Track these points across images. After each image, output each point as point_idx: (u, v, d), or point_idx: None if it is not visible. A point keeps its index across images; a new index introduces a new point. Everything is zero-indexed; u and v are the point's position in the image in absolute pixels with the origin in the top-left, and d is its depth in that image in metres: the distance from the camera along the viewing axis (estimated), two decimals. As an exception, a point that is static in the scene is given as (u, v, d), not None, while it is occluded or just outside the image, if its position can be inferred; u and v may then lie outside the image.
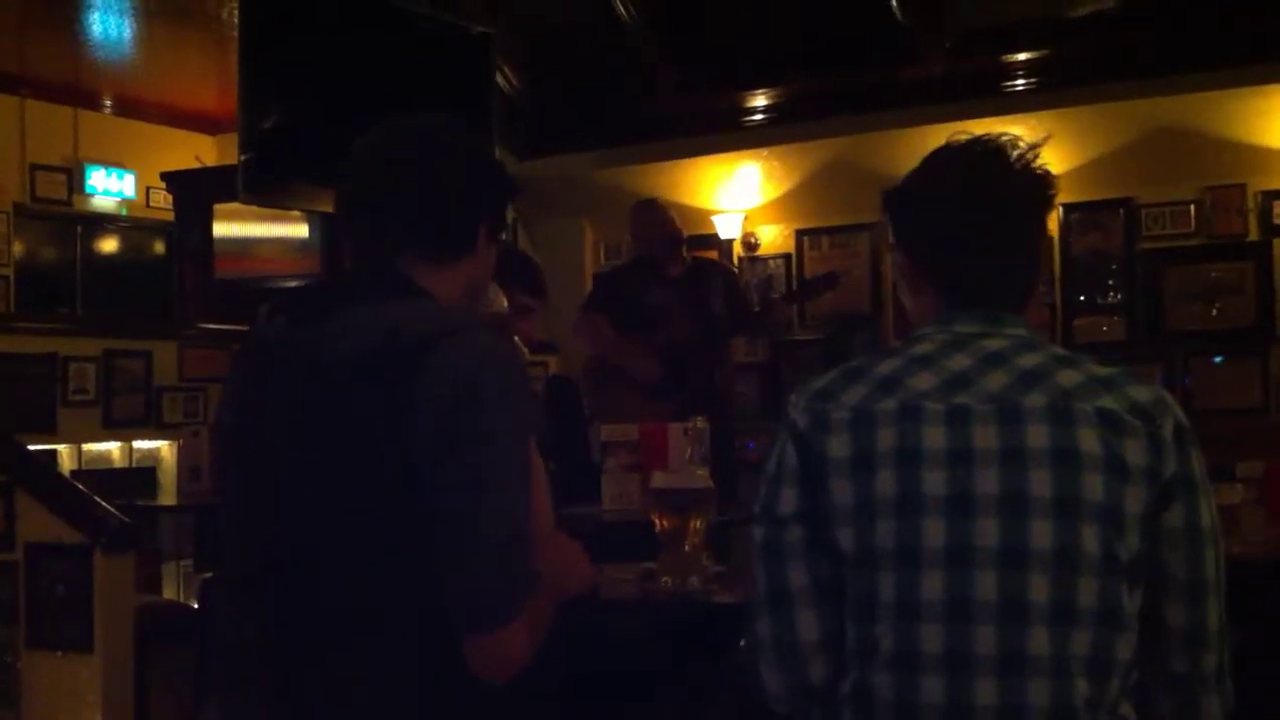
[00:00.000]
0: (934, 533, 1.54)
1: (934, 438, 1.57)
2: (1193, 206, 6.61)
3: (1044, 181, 1.73)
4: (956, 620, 1.52)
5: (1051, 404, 1.57)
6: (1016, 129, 1.78)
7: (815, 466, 1.62)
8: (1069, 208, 6.74)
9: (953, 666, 1.51)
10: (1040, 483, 1.53)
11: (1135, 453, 1.54)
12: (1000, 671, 1.50)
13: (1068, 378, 1.59)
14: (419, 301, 1.71)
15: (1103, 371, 1.62)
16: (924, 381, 1.61)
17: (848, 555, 1.59)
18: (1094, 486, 1.52)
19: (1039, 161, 1.72)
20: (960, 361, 1.63)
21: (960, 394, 1.59)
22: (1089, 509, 1.52)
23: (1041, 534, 1.52)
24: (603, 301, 5.50)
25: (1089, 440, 1.54)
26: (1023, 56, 6.57)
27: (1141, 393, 1.59)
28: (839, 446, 1.61)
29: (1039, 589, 1.50)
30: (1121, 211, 6.75)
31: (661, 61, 7.23)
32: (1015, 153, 1.71)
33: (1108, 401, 1.57)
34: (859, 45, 6.69)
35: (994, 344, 1.65)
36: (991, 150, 1.72)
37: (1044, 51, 6.53)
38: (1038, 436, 1.55)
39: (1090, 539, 1.51)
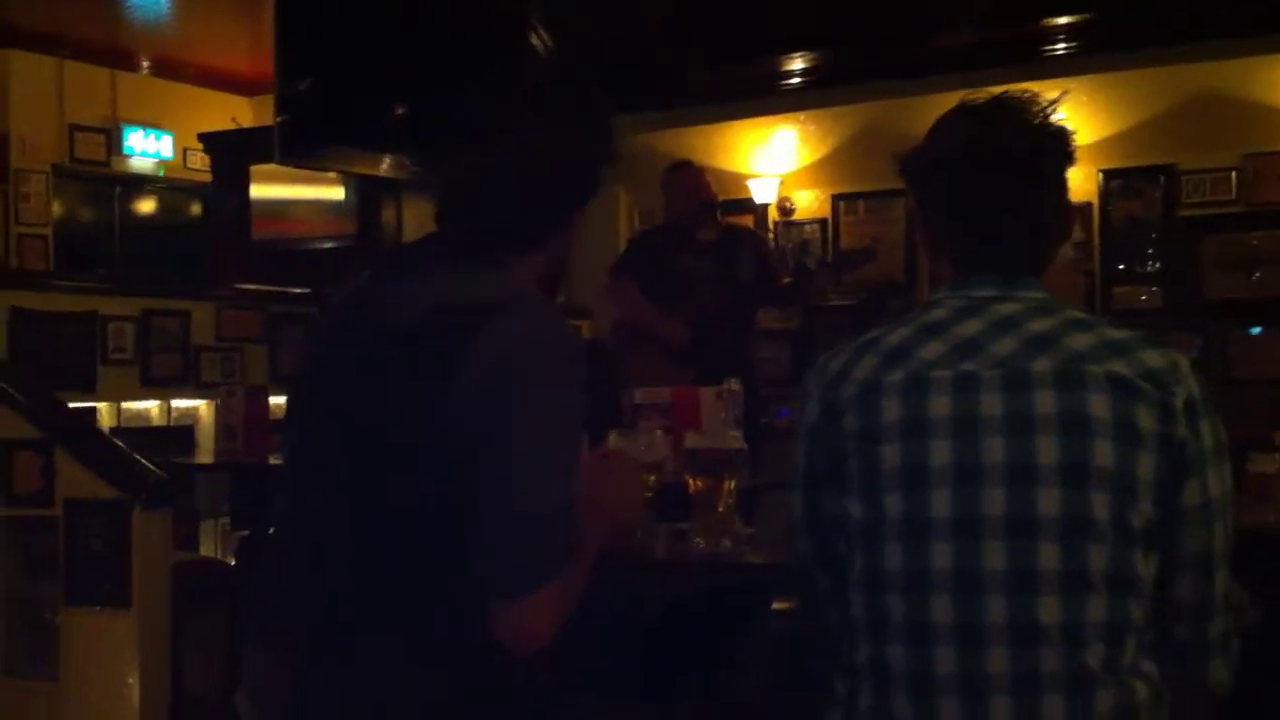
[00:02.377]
0: (941, 503, 1.53)
1: (939, 406, 1.56)
2: (1233, 173, 6.54)
3: (1059, 137, 1.68)
4: (966, 590, 1.51)
5: (1060, 368, 1.54)
6: (1054, 94, 1.73)
7: (829, 458, 1.63)
8: (1109, 174, 6.68)
9: (964, 636, 1.51)
10: (1047, 449, 1.51)
11: (1146, 418, 1.52)
12: (1012, 640, 1.49)
13: (1079, 341, 1.57)
14: (488, 273, 1.69)
15: (1117, 335, 1.59)
16: (933, 350, 1.60)
17: (857, 526, 1.59)
18: (1104, 452, 1.51)
19: (1055, 117, 1.68)
20: (971, 327, 1.61)
21: (967, 360, 1.58)
22: (1099, 475, 1.50)
23: (1049, 502, 1.50)
24: (633, 265, 5.48)
25: (1098, 405, 1.52)
26: (1062, 21, 6.51)
27: (1155, 358, 1.56)
28: (851, 422, 1.61)
29: (1048, 557, 1.49)
30: (1161, 178, 6.68)
31: (698, 25, 7.18)
32: (1030, 110, 1.68)
33: (1119, 366, 1.54)
34: (897, 8, 6.64)
35: (1007, 308, 1.63)
36: (1004, 108, 1.69)
37: (1083, 16, 6.46)
38: (1045, 402, 1.53)
39: (1100, 505, 1.50)
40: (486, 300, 1.62)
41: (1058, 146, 1.68)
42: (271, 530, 1.79)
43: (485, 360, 1.57)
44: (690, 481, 2.41)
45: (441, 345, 1.59)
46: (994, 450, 1.53)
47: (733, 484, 2.40)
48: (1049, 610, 1.49)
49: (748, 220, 7.22)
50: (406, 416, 1.60)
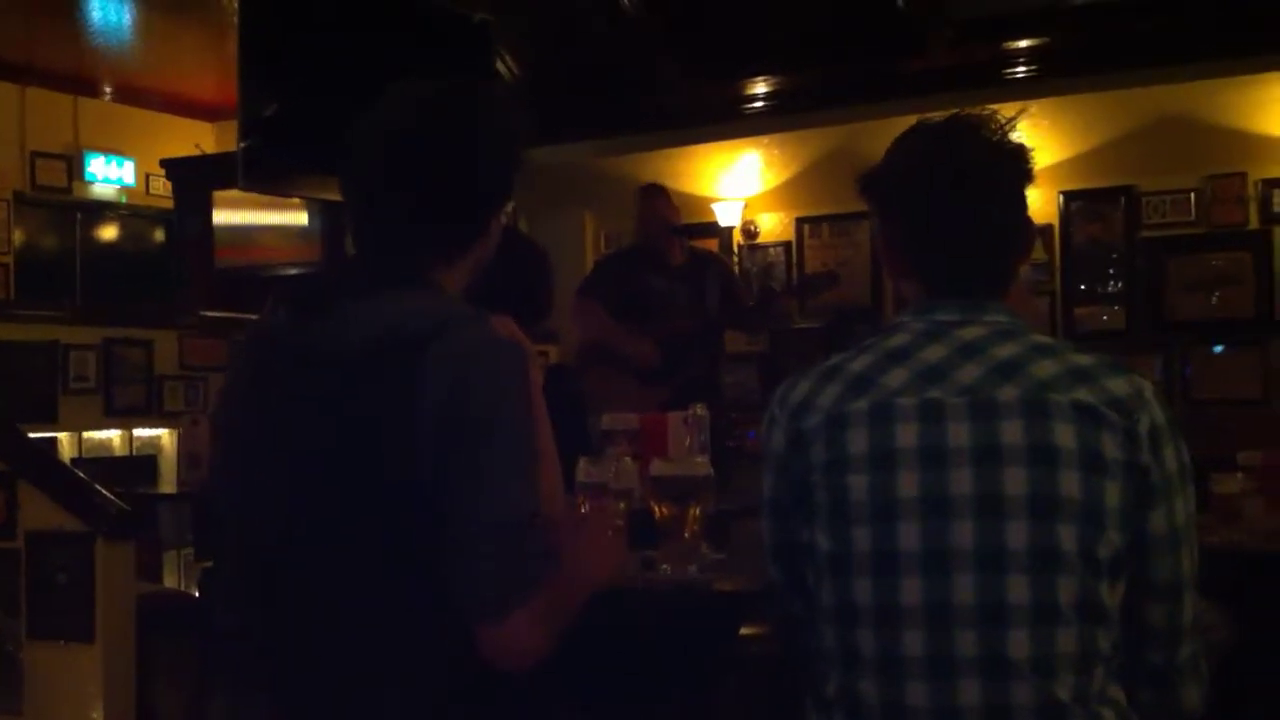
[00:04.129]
0: (910, 536, 1.52)
1: (906, 436, 1.55)
2: (1193, 195, 6.60)
3: (1018, 155, 1.67)
4: (937, 624, 1.50)
5: (1026, 397, 1.53)
6: (1013, 112, 1.73)
7: (795, 488, 1.63)
8: (1070, 196, 6.73)
9: (935, 670, 1.50)
10: (1015, 481, 1.51)
11: (1111, 446, 1.52)
12: (983, 673, 1.49)
13: (1044, 369, 1.56)
14: (422, 294, 1.69)
15: (1081, 361, 1.58)
16: (896, 378, 1.59)
17: (825, 559, 1.58)
18: (1071, 483, 1.50)
19: (1013, 135, 1.67)
20: (935, 353, 1.60)
21: (933, 388, 1.57)
22: (1066, 506, 1.50)
23: (1018, 534, 1.50)
24: (600, 286, 5.49)
25: (1065, 435, 1.51)
26: (1024, 44, 6.56)
27: (1119, 385, 1.55)
28: (817, 453, 1.60)
29: (1017, 590, 1.49)
30: (1122, 200, 6.74)
31: (663, 49, 7.21)
32: (988, 128, 1.67)
33: (1084, 394, 1.53)
34: (860, 33, 6.68)
35: (971, 333, 1.62)
36: (961, 126, 1.68)
37: (1045, 39, 6.53)
38: (1012, 433, 1.52)
39: (1068, 537, 1.49)
40: (426, 322, 1.61)
41: (1015, 164, 1.67)
42: (220, 578, 1.77)
43: (433, 382, 1.56)
44: (657, 508, 2.41)
45: (387, 372, 1.58)
46: (962, 482, 1.52)
47: (699, 510, 2.40)
48: (1019, 643, 1.48)
49: (712, 244, 7.23)
50: (360, 445, 1.59)
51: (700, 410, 2.91)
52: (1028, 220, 1.73)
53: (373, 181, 1.75)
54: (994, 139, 1.67)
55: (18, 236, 9.10)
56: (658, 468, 2.45)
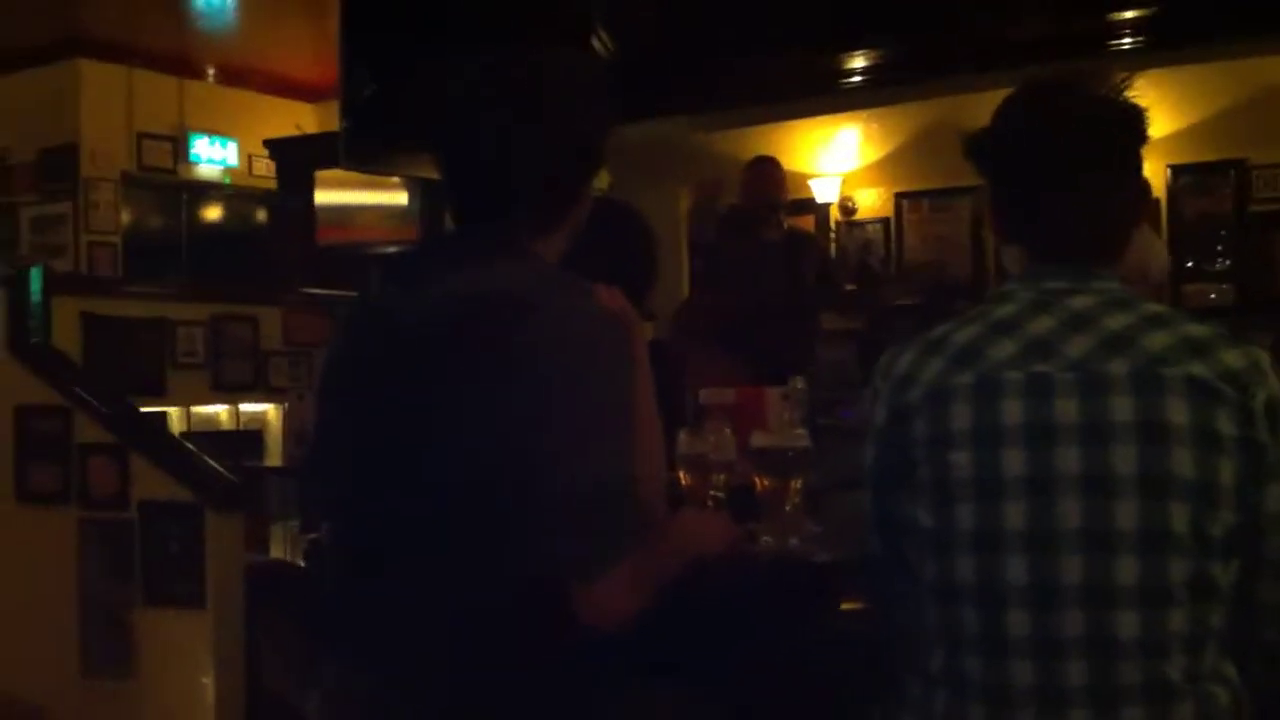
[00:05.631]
0: (1015, 515, 1.49)
1: (1012, 412, 1.51)
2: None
3: (1133, 115, 1.61)
4: (1042, 605, 1.47)
5: (1137, 371, 1.49)
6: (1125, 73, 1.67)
7: (897, 463, 1.60)
8: (1177, 169, 6.60)
9: (1041, 650, 1.48)
10: (1125, 459, 1.46)
11: (1226, 422, 1.47)
12: (1090, 654, 1.46)
13: (1157, 340, 1.51)
14: (517, 262, 1.71)
15: (1196, 332, 1.53)
16: (1003, 350, 1.55)
17: (928, 535, 1.56)
18: (1183, 461, 1.45)
19: (1128, 94, 1.61)
20: (1043, 324, 1.56)
21: (1041, 361, 1.53)
22: (1178, 485, 1.45)
23: (1127, 514, 1.46)
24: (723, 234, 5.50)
25: (1177, 411, 1.47)
26: (1129, 15, 6.42)
27: (1235, 357, 1.50)
28: (920, 428, 1.57)
29: (1126, 571, 1.45)
30: (1232, 173, 6.59)
31: (759, 22, 7.16)
32: (1102, 86, 1.62)
33: (1198, 367, 1.48)
34: (961, 3, 6.58)
35: (1081, 302, 1.57)
36: (1074, 85, 1.64)
37: (1151, 9, 6.38)
38: (1122, 409, 1.47)
39: (1180, 517, 1.45)
40: (521, 290, 1.62)
41: (1125, 124, 1.62)
42: (325, 538, 1.81)
43: (528, 349, 1.57)
44: (757, 481, 2.41)
45: (479, 338, 1.59)
46: (1069, 460, 1.48)
47: (800, 483, 2.40)
48: (1128, 624, 1.45)
49: (808, 221, 7.19)
50: (456, 413, 1.60)
51: (799, 383, 2.90)
52: (1140, 182, 1.67)
53: (459, 153, 1.77)
54: (1101, 98, 1.62)
55: (126, 216, 9.30)
56: (759, 439, 2.44)
